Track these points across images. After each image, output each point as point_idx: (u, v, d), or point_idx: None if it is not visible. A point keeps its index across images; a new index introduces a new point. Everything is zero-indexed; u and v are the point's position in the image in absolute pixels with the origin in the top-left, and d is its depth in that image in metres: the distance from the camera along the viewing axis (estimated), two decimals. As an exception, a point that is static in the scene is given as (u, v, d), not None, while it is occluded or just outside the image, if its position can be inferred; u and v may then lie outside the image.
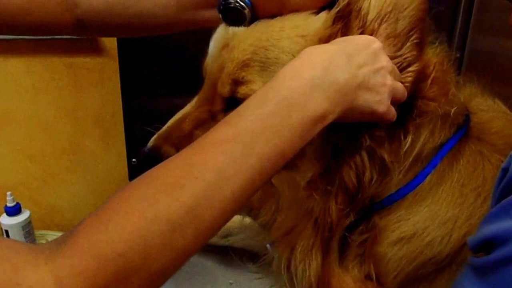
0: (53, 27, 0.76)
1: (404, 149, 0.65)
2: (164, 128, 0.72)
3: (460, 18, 1.29)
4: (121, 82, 1.34)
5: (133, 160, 1.39)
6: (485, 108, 0.77)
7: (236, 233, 0.99)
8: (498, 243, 0.46)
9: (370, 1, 0.62)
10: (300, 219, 0.71)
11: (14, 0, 0.71)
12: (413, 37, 0.63)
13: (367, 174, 0.66)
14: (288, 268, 0.74)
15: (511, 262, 0.44)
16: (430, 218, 0.68)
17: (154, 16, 0.75)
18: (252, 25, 0.68)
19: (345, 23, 0.62)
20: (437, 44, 0.69)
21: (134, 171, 1.40)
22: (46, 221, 1.55)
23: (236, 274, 0.95)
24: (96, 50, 1.42)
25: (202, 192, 0.48)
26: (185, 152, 0.51)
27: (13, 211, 1.33)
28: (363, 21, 0.62)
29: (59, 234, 1.48)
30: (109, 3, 0.74)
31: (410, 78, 0.64)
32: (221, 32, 0.71)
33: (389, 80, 0.60)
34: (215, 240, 1.00)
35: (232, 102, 0.67)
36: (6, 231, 1.33)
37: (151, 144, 0.71)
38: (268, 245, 0.80)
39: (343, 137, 0.65)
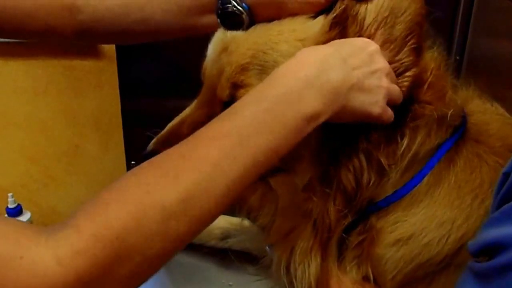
0: (57, 32, 0.77)
1: (401, 151, 0.66)
2: (163, 132, 0.72)
3: (459, 21, 1.29)
4: (120, 84, 1.34)
5: (132, 162, 1.40)
6: (483, 110, 0.77)
7: (235, 235, 0.99)
8: (500, 249, 0.46)
9: (366, 6, 0.62)
10: (299, 221, 0.72)
11: (21, 5, 0.72)
12: (411, 42, 0.63)
13: (365, 176, 0.66)
14: (288, 269, 0.74)
15: None
16: (428, 219, 0.68)
17: (154, 22, 0.75)
18: (251, 29, 0.68)
19: (342, 29, 0.62)
20: (434, 48, 0.70)
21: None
22: (46, 223, 1.55)
23: (235, 276, 0.95)
24: (94, 53, 1.42)
25: (197, 183, 0.50)
26: (182, 145, 0.53)
27: (14, 212, 1.33)
28: (360, 26, 0.63)
29: (59, 236, 1.48)
30: (111, 9, 0.75)
31: (406, 83, 0.64)
32: (220, 36, 0.71)
33: (384, 82, 0.60)
34: (214, 242, 1.01)
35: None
36: (7, 233, 1.33)
37: (150, 148, 0.71)
38: (267, 248, 0.80)
39: (340, 140, 0.65)
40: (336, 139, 0.65)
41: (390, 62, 0.63)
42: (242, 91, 0.65)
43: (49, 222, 1.55)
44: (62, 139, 1.50)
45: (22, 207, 1.35)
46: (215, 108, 0.70)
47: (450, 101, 0.68)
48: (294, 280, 0.73)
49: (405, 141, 0.66)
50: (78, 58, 1.42)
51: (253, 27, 0.69)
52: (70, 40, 0.81)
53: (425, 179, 0.68)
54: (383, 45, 0.63)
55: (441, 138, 0.69)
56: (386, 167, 0.66)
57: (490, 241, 0.47)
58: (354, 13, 0.62)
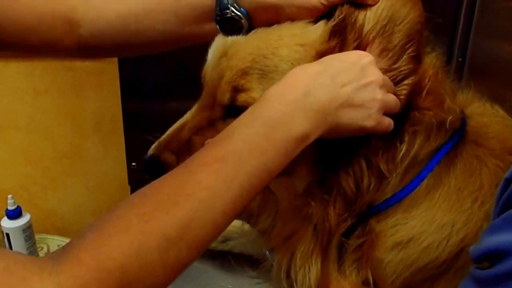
0: (57, 48, 0.77)
1: (400, 156, 0.66)
2: (164, 136, 0.73)
3: (461, 22, 1.29)
4: (121, 87, 1.34)
5: (133, 164, 1.40)
6: (482, 112, 0.77)
7: (235, 238, 0.99)
8: (502, 256, 0.46)
9: (365, 13, 0.62)
10: (299, 224, 0.72)
11: (24, 20, 0.72)
12: (410, 50, 0.63)
13: (365, 180, 0.66)
14: (288, 273, 0.74)
15: None
16: (427, 222, 0.68)
17: (154, 33, 0.75)
18: (250, 34, 0.69)
19: (342, 39, 0.63)
20: (433, 53, 0.69)
21: (134, 175, 1.41)
22: (46, 225, 1.55)
23: (235, 279, 0.95)
24: (95, 54, 1.42)
25: (195, 209, 0.51)
26: (178, 171, 0.55)
27: (14, 214, 1.33)
28: (358, 33, 0.63)
29: (59, 238, 1.48)
30: (109, 21, 0.75)
31: (405, 91, 0.64)
32: (220, 41, 0.71)
33: (379, 94, 0.61)
34: (214, 245, 1.01)
35: (232, 109, 0.67)
36: (7, 235, 1.33)
37: (151, 153, 0.72)
38: (267, 252, 0.81)
39: (339, 146, 0.65)
40: (336, 146, 0.65)
41: (388, 70, 0.63)
42: (242, 95, 0.66)
43: (48, 224, 1.56)
44: (62, 141, 1.50)
45: (22, 209, 1.35)
46: (215, 112, 0.70)
47: (449, 106, 0.68)
48: (294, 284, 0.73)
49: (404, 146, 0.66)
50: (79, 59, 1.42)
51: (252, 31, 0.69)
52: (71, 55, 0.82)
53: (425, 181, 0.68)
54: (381, 53, 0.63)
55: (440, 141, 0.68)
56: (386, 172, 0.66)
57: (492, 248, 0.47)
58: (353, 20, 0.63)
